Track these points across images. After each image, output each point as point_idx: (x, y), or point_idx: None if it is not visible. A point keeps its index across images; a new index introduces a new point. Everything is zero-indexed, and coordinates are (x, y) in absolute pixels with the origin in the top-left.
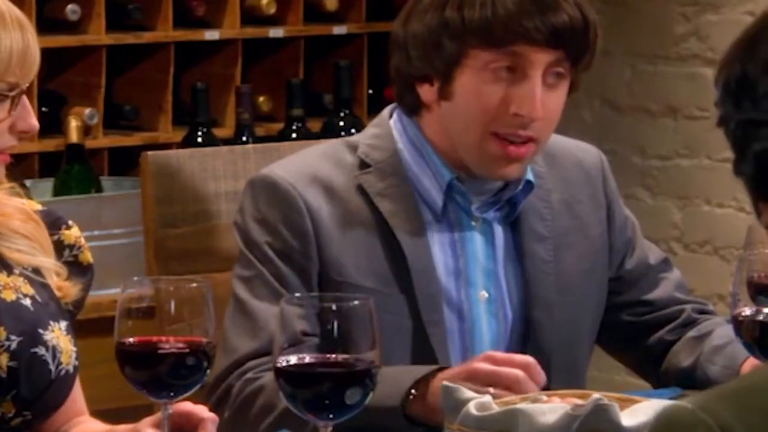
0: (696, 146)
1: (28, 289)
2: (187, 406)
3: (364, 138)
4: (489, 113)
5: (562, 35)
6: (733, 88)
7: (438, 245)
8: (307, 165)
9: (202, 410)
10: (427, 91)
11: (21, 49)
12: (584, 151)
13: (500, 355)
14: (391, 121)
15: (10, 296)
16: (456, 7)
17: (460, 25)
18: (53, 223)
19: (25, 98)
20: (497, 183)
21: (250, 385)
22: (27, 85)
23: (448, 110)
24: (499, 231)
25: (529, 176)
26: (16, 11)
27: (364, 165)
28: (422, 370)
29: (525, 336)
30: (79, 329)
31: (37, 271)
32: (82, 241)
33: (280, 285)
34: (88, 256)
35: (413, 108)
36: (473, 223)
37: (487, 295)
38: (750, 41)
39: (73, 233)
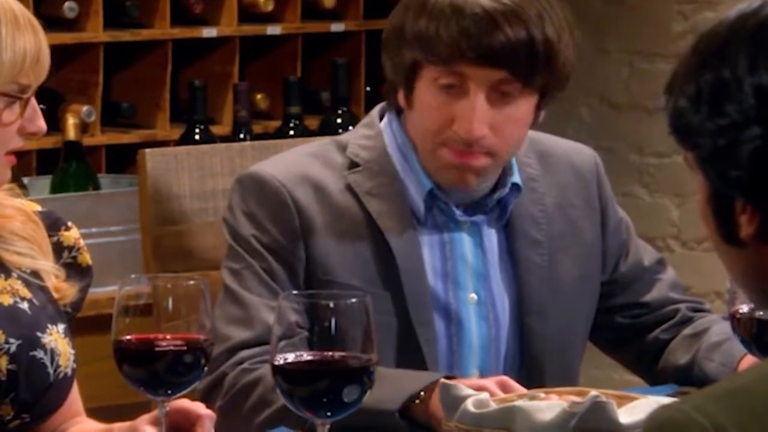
0: None
1: (26, 293)
2: (184, 403)
3: (353, 138)
4: (437, 126)
5: (500, 55)
6: (707, 97)
7: (427, 246)
8: (296, 164)
9: (199, 407)
10: (401, 97)
11: (34, 51)
12: (579, 154)
13: (514, 385)
14: (382, 124)
15: (7, 300)
16: (414, 14)
17: (414, 39)
18: (53, 225)
19: (33, 100)
20: (478, 191)
21: (246, 377)
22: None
23: (411, 118)
24: (490, 234)
25: (516, 179)
26: (29, 14)
27: (353, 165)
28: (430, 377)
29: (519, 341)
30: (77, 327)
31: (35, 273)
32: (82, 242)
33: (269, 277)
34: (87, 258)
35: (396, 109)
36: (462, 226)
37: (476, 297)
38: (717, 48)
39: (72, 234)
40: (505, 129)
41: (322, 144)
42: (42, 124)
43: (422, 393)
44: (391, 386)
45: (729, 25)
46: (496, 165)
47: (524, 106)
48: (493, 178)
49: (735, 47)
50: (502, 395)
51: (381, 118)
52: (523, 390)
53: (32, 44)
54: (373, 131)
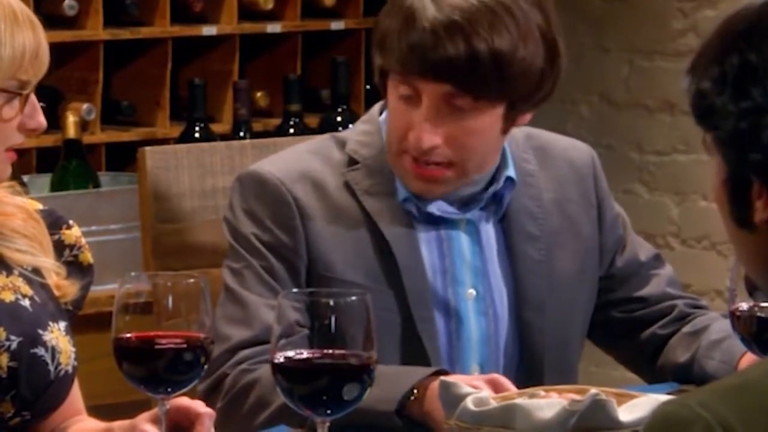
0: (693, 142)
1: (27, 290)
2: (184, 401)
3: (353, 134)
4: (398, 134)
5: (442, 69)
6: (732, 79)
7: (425, 243)
8: (295, 161)
9: (199, 405)
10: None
11: (33, 47)
12: (576, 150)
13: (506, 384)
14: (381, 119)
15: (8, 297)
16: (380, 29)
17: (379, 45)
18: (54, 223)
19: (33, 96)
20: (469, 189)
21: (245, 378)
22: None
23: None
24: (487, 229)
25: (510, 173)
26: (27, 10)
27: (352, 162)
28: (421, 372)
29: (518, 336)
30: (77, 325)
31: (36, 271)
32: (83, 241)
33: (270, 276)
34: (88, 257)
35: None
36: (458, 224)
37: (475, 293)
38: (744, 31)
39: (73, 233)
40: (464, 141)
41: (322, 140)
42: (42, 120)
43: (416, 390)
44: (387, 385)
45: (757, 9)
46: (461, 174)
47: (483, 118)
48: (488, 174)
49: (763, 31)
50: (502, 393)
51: (381, 114)
52: (514, 388)
53: (31, 40)
54: (372, 127)
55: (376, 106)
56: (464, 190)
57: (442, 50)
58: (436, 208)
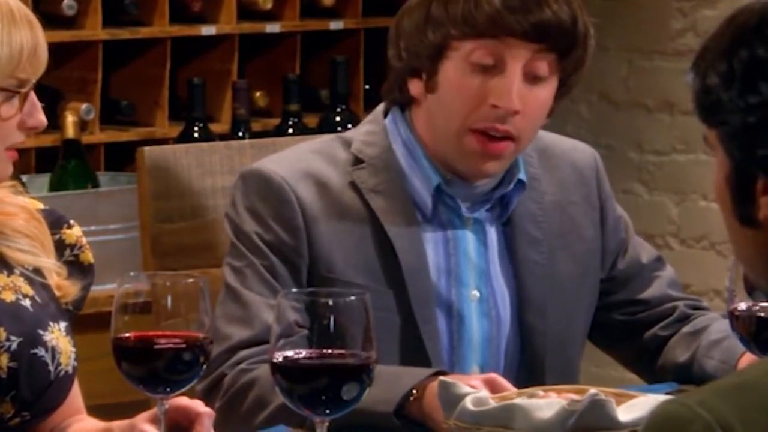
0: (692, 141)
1: (28, 290)
2: (183, 401)
3: (357, 134)
4: (468, 105)
5: (546, 30)
6: (740, 74)
7: (431, 243)
8: (299, 160)
9: (198, 405)
10: (416, 85)
11: (31, 45)
12: (579, 152)
13: (503, 383)
14: (386, 120)
15: (9, 297)
16: (442, 2)
17: (444, 16)
18: (55, 223)
19: (33, 94)
20: (485, 186)
21: (244, 377)
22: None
23: (432, 103)
24: (491, 231)
25: (522, 176)
26: (25, 9)
27: (357, 161)
28: (420, 372)
29: (519, 338)
30: (76, 324)
31: (37, 271)
32: (84, 240)
33: (271, 275)
34: (89, 256)
35: (402, 103)
36: (466, 223)
37: (478, 294)
38: (754, 26)
39: (74, 233)
40: (533, 110)
41: (327, 140)
42: (42, 118)
43: (415, 390)
44: (386, 386)
45: (766, 3)
46: (516, 151)
47: (548, 90)
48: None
49: None
50: (501, 393)
51: (386, 115)
52: (512, 388)
53: (29, 39)
54: (378, 127)
55: (381, 107)
56: (478, 188)
57: (548, 10)
58: (460, 197)
